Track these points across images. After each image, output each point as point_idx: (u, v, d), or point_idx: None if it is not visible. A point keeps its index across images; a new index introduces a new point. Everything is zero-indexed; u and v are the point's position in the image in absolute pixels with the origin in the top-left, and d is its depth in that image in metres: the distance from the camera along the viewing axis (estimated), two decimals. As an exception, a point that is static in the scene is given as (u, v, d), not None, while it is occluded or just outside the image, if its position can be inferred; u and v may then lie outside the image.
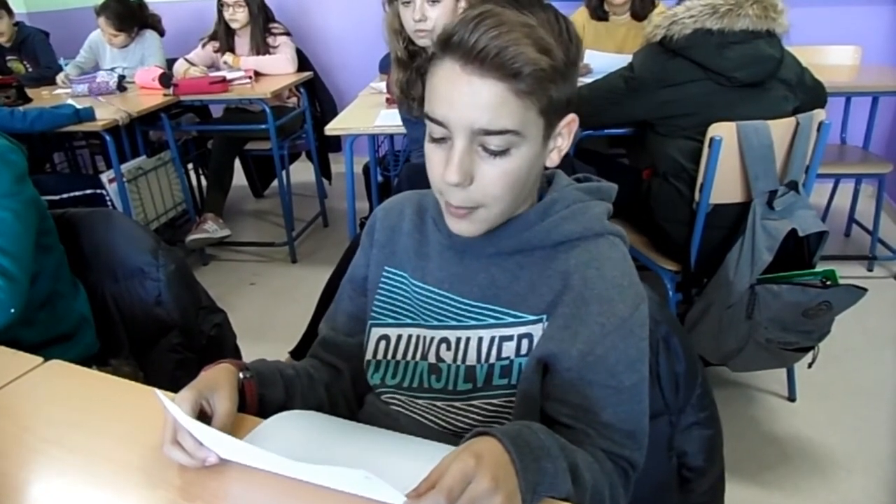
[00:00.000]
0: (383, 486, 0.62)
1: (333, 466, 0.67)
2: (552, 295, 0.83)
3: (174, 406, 0.73)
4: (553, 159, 0.83)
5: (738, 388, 2.19)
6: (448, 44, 0.74)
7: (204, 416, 0.78)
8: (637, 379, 0.81)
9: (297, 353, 1.49)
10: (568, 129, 0.82)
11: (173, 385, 0.81)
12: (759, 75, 1.80)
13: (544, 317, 0.83)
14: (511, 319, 0.85)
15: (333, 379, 0.99)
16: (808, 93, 1.93)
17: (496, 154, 0.75)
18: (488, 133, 0.74)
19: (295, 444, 0.76)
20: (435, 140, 0.78)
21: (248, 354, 1.03)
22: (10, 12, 3.67)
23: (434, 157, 0.79)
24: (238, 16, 3.31)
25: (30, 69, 3.71)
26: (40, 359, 0.99)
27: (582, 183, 0.90)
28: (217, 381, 0.81)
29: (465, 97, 0.73)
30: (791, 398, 2.12)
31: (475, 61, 0.72)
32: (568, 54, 0.76)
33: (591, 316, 0.80)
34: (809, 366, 1.81)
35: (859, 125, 3.03)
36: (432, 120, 0.77)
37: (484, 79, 0.72)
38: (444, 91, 0.75)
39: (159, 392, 0.74)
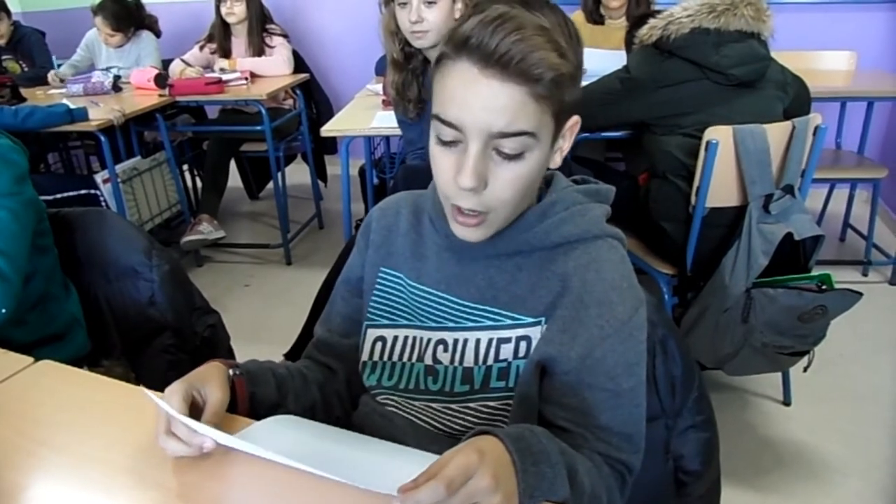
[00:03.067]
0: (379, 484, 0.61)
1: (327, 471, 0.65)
2: (551, 297, 0.82)
3: (164, 403, 0.72)
4: (556, 161, 0.82)
5: (734, 392, 2.19)
6: (465, 46, 0.72)
7: (195, 408, 0.77)
8: (635, 382, 0.80)
9: (291, 356, 1.48)
10: (571, 131, 0.81)
11: (166, 386, 0.80)
12: (754, 74, 1.82)
13: (543, 319, 0.82)
14: (509, 321, 0.84)
15: (327, 379, 0.98)
16: (794, 87, 1.96)
17: (510, 158, 0.74)
18: (504, 136, 0.73)
19: (283, 448, 0.75)
20: (444, 143, 0.76)
21: (242, 356, 1.02)
22: (8, 14, 3.66)
23: (443, 162, 0.77)
24: (235, 9, 3.29)
25: (25, 69, 3.69)
26: (31, 359, 0.98)
27: (580, 185, 0.90)
28: (208, 374, 0.80)
29: (482, 100, 0.72)
30: (786, 402, 2.12)
31: (496, 65, 0.70)
32: (578, 58, 0.76)
33: (591, 319, 0.79)
34: (805, 370, 1.81)
35: (854, 130, 3.04)
36: (444, 122, 0.75)
37: (504, 83, 0.71)
38: (460, 93, 0.73)
39: (147, 390, 0.73)
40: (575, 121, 0.81)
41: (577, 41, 0.77)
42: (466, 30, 0.72)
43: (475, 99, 0.72)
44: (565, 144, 0.82)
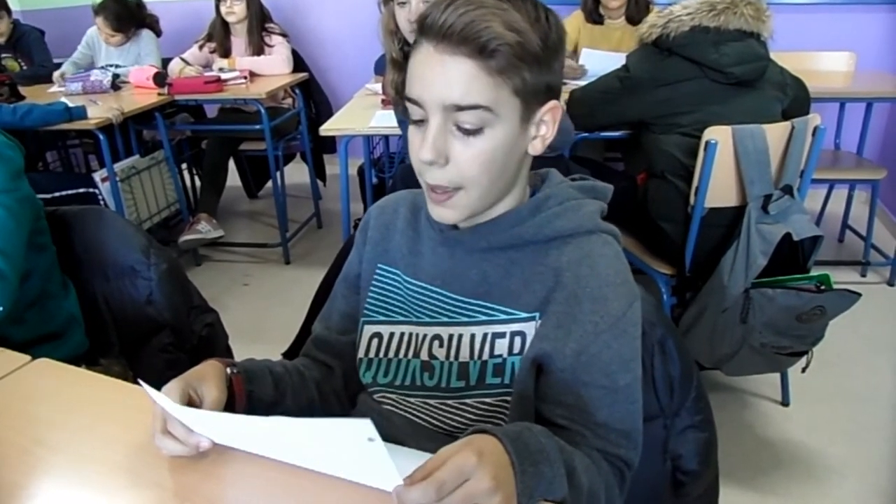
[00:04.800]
0: (383, 455, 0.59)
1: (335, 419, 0.60)
2: (544, 291, 0.82)
3: (161, 395, 0.72)
4: (536, 147, 0.82)
5: (732, 392, 2.19)
6: (423, 26, 0.76)
7: (192, 406, 0.76)
8: (631, 378, 0.80)
9: (289, 355, 1.48)
10: (552, 117, 0.81)
11: (164, 385, 0.80)
12: (752, 73, 1.82)
13: (537, 315, 0.82)
14: (503, 316, 0.84)
15: (325, 377, 0.98)
16: (794, 88, 1.96)
17: (470, 133, 0.76)
18: (460, 108, 0.75)
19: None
20: (414, 122, 0.79)
21: (241, 355, 1.01)
22: (9, 12, 3.66)
23: (414, 140, 0.80)
24: (235, 9, 3.30)
25: (24, 67, 3.69)
26: (28, 357, 0.98)
27: (577, 182, 0.89)
28: (205, 372, 0.80)
29: (437, 76, 0.75)
30: (785, 403, 2.12)
31: (445, 39, 0.73)
32: (546, 40, 0.77)
33: (585, 314, 0.79)
34: (803, 370, 1.81)
35: (853, 131, 3.04)
36: (409, 101, 0.78)
37: (454, 56, 0.73)
38: (419, 72, 0.77)
39: (145, 384, 0.72)
40: (553, 105, 0.80)
41: (550, 26, 0.78)
42: (425, 11, 0.76)
43: (431, 74, 0.75)
44: (547, 132, 0.82)
